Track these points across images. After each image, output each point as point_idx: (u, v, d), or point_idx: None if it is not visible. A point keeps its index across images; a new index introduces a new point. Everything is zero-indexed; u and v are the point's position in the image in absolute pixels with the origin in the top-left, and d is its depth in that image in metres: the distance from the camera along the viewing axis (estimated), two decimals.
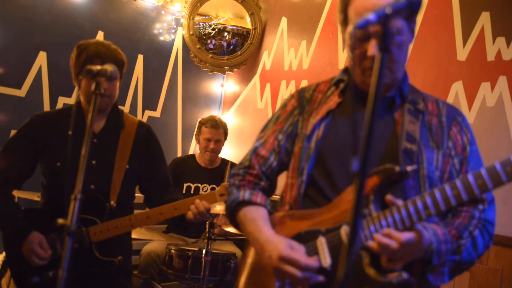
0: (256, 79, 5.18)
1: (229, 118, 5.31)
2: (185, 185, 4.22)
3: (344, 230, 1.50)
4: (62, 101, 4.33)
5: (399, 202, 1.45)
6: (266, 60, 5.12)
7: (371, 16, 1.04)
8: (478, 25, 3.58)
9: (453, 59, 3.68)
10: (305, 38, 4.72)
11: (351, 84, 1.74)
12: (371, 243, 1.42)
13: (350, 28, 1.64)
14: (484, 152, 1.81)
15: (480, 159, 1.67)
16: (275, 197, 1.83)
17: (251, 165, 1.79)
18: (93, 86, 2.00)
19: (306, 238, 1.57)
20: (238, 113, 5.28)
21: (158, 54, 5.00)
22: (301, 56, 4.75)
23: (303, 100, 1.80)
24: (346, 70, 1.79)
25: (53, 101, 4.30)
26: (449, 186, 1.38)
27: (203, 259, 3.06)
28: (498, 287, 3.21)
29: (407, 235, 1.38)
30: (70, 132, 1.91)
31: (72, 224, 1.69)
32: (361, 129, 1.62)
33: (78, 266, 2.34)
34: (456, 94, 3.62)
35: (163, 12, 4.98)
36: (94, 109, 1.91)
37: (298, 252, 1.51)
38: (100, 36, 4.50)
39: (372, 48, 1.56)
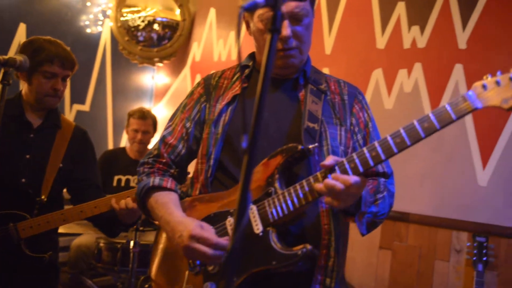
0: (186, 70, 5.18)
1: (161, 110, 5.28)
2: (116, 177, 4.18)
3: (251, 209, 1.55)
4: None
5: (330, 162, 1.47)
6: (196, 51, 5.12)
7: None
8: (395, 14, 3.74)
9: (373, 47, 3.83)
10: (233, 29, 4.76)
11: (256, 68, 1.80)
12: (318, 186, 1.44)
13: (260, 11, 1.65)
14: None
15: (379, 133, 1.77)
16: None
17: (160, 154, 1.80)
18: (47, 85, 2.38)
19: (215, 220, 1.61)
20: (169, 105, 5.26)
21: (85, 46, 4.89)
22: (230, 47, 4.79)
23: (210, 87, 1.83)
24: (251, 56, 1.84)
25: None
26: (347, 162, 1.45)
27: (131, 251, 3.05)
28: (417, 263, 3.39)
29: (355, 177, 1.41)
30: None
31: None
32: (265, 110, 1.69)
33: (6, 263, 2.30)
34: (376, 81, 3.77)
35: (88, 4, 4.88)
36: (1, 99, 1.89)
37: (209, 231, 1.54)
38: (22, 29, 4.35)
39: (286, 29, 1.61)
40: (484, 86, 1.35)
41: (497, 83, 1.33)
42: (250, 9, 1.09)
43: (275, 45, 1.10)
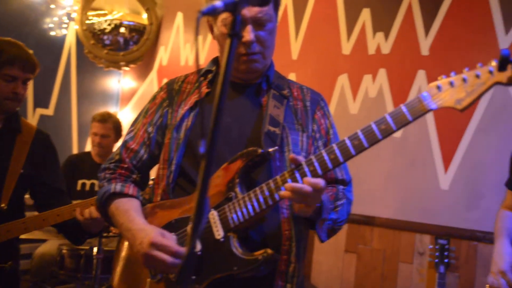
0: (153, 74, 5.14)
1: (127, 114, 5.22)
2: (80, 182, 4.10)
3: (212, 214, 1.55)
4: None
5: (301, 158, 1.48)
6: (162, 55, 5.09)
7: (218, 3, 1.06)
8: (360, 20, 3.80)
9: (339, 53, 3.87)
10: (200, 33, 4.75)
11: (219, 73, 1.78)
12: (283, 192, 1.44)
13: (223, 16, 1.65)
14: None
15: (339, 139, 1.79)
16: None
17: (121, 159, 1.77)
18: (7, 88, 2.34)
19: (177, 226, 1.60)
20: (136, 109, 5.20)
21: (49, 49, 4.81)
22: (197, 51, 4.77)
23: (172, 92, 1.81)
24: (214, 61, 1.84)
25: None
26: (307, 165, 1.46)
27: (94, 257, 3.00)
28: (381, 265, 3.43)
29: (318, 179, 1.41)
30: None
31: None
32: (227, 116, 1.69)
33: None
34: (342, 86, 3.82)
35: (53, 6, 4.79)
36: None
37: (169, 239, 1.52)
38: None
39: (249, 33, 1.61)
40: (438, 87, 1.37)
41: (451, 84, 1.36)
42: (209, 13, 1.08)
43: (234, 50, 1.11)
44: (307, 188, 1.39)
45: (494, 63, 1.28)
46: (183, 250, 1.48)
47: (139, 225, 1.58)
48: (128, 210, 1.65)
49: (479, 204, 3.11)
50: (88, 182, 4.10)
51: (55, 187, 2.57)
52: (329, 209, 1.56)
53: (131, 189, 1.71)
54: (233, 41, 1.13)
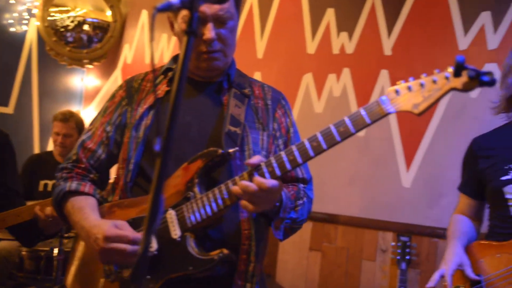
0: (117, 73, 5.07)
1: (91, 113, 5.14)
2: (42, 182, 4.02)
3: (169, 214, 1.53)
4: None
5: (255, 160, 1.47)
6: (127, 53, 5.03)
7: None
8: (325, 20, 3.83)
9: (304, 52, 3.89)
10: (165, 31, 4.71)
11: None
12: (233, 188, 1.44)
13: (183, 13, 1.63)
14: None
15: (300, 139, 1.79)
16: None
17: (79, 158, 1.73)
18: None
19: (134, 225, 1.57)
20: (99, 108, 5.10)
21: (9, 46, 4.70)
22: (162, 50, 4.72)
23: (131, 90, 1.78)
24: (175, 58, 1.81)
25: None
26: (265, 166, 1.46)
27: (55, 259, 2.94)
28: (345, 263, 3.47)
29: (268, 180, 1.41)
30: None
31: None
32: (187, 114, 1.67)
33: None
34: (307, 85, 3.84)
35: (12, 1, 4.67)
36: None
37: (124, 228, 1.50)
38: None
39: (210, 31, 1.60)
40: (397, 92, 1.38)
41: (409, 88, 1.37)
42: (164, 10, 1.07)
43: (191, 47, 1.09)
44: (253, 187, 1.39)
45: (450, 69, 1.30)
46: (140, 235, 1.46)
47: (93, 222, 1.55)
48: (83, 207, 1.62)
49: (439, 202, 3.17)
50: (50, 183, 4.01)
51: (11, 188, 2.51)
52: (289, 208, 1.56)
53: (87, 187, 1.68)
54: (190, 39, 1.11)
